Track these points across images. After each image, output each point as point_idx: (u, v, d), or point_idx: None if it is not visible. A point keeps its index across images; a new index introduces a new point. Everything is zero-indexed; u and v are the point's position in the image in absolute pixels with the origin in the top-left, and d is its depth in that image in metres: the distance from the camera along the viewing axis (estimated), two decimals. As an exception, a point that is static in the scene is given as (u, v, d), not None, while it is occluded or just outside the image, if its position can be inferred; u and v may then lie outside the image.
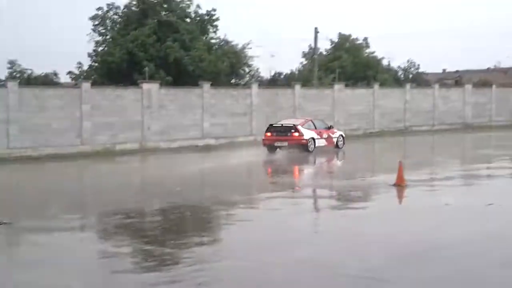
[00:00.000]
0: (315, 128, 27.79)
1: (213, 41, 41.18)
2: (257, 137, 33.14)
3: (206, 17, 40.29)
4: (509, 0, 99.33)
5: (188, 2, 39.26)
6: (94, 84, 30.75)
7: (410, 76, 59.38)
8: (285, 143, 26.47)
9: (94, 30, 38.74)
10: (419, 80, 58.06)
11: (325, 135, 27.83)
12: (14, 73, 36.64)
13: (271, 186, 16.37)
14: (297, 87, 36.39)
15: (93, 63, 38.84)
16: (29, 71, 37.49)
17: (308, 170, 21.06)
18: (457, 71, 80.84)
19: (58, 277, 7.64)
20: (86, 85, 28.31)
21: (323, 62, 53.91)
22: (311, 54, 50.93)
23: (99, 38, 38.86)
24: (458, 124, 45.46)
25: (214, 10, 40.15)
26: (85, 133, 27.68)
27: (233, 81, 40.94)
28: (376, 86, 41.63)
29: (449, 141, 33.68)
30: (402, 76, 59.18)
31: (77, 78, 36.74)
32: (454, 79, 71.60)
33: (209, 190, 16.76)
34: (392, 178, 15.00)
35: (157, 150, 28.64)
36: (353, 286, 7.01)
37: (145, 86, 29.87)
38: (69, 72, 38.29)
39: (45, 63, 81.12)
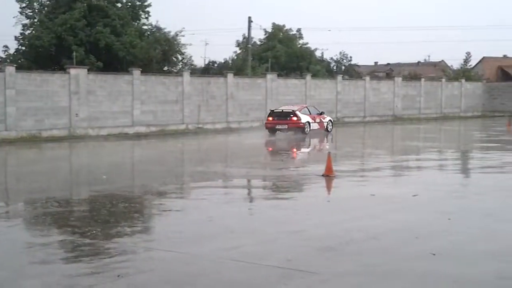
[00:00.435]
0: (310, 113, 31.84)
1: (145, 27, 40.63)
2: (189, 125, 32.88)
3: (138, 3, 39.68)
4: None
5: (120, -13, 38.59)
6: (21, 68, 29.81)
7: (343, 68, 60.10)
8: (285, 126, 30.60)
9: (21, 13, 37.59)
10: (351, 72, 58.83)
11: (317, 120, 31.95)
12: None
13: (201, 176, 16.13)
14: (230, 75, 36.23)
15: (20, 47, 37.66)
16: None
17: (239, 160, 20.88)
18: (388, 64, 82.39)
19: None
20: (10, 69, 27.32)
21: (257, 51, 53.95)
22: (245, 43, 50.84)
23: (27, 21, 37.75)
24: (389, 116, 46.30)
25: (147, -4, 39.60)
26: (10, 118, 26.77)
27: (165, 68, 40.45)
28: (308, 77, 41.89)
29: (379, 132, 34.18)
30: (334, 67, 59.84)
31: (3, 62, 35.53)
32: (385, 72, 72.91)
33: (137, 179, 16.44)
34: (322, 168, 15.01)
35: (86, 138, 27.99)
36: (273, 276, 6.88)
37: (73, 71, 29.09)
38: (-6, 56, 37.09)
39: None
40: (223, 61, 51.35)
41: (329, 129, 32.77)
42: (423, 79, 52.39)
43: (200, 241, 8.51)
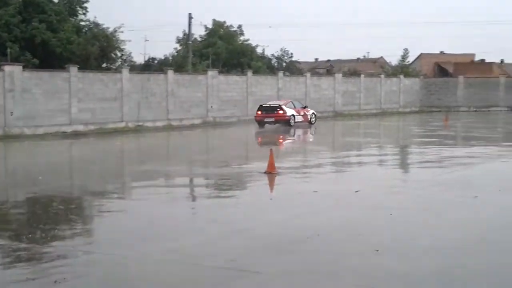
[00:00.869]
0: (294, 107, 35.10)
1: (82, 23, 39.86)
2: (129, 123, 32.38)
3: (75, -1, 38.87)
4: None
5: (55, -18, 37.72)
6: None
7: (284, 64, 60.32)
8: (272, 119, 33.69)
9: (-48, 8, 36.22)
10: (292, 68, 59.12)
11: (302, 113, 35.15)
12: None
13: (142, 175, 15.85)
14: (170, 72, 35.84)
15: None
16: None
17: (181, 158, 20.65)
18: (328, 61, 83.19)
19: None
20: None
21: (198, 48, 53.58)
22: (185, 40, 50.43)
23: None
24: (329, 112, 46.68)
25: (83, -9, 38.84)
26: None
27: (104, 65, 39.75)
28: (250, 73, 41.83)
29: (320, 128, 34.35)
30: (275, 64, 59.99)
31: None
32: (326, 68, 73.63)
33: (75, 179, 16.04)
34: (264, 165, 14.94)
35: (21, 137, 27.21)
36: (217, 277, 6.75)
37: (7, 68, 28.20)
38: None
39: None
40: (163, 58, 50.87)
41: (312, 122, 35.77)
42: (362, 75, 53.04)
43: (141, 242, 8.31)
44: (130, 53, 43.01)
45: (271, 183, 13.84)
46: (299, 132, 31.71)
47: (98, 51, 37.92)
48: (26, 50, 34.16)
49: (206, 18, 77.12)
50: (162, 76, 35.52)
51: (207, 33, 56.09)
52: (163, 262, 7.34)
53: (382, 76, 54.93)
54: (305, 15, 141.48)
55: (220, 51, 52.88)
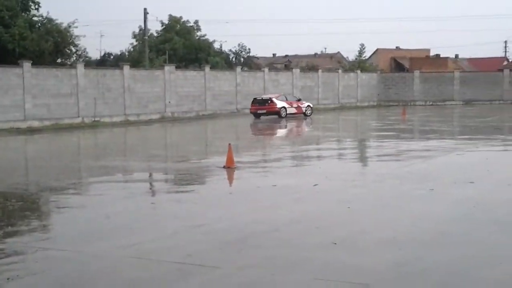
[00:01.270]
0: (286, 100, 38.04)
1: (35, 18, 39.15)
2: (85, 119, 31.94)
3: (27, -6, 38.16)
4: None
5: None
6: None
7: (242, 59, 60.28)
8: (264, 111, 36.63)
9: None
10: (250, 63, 59.13)
11: (295, 105, 38.03)
12: None
13: (99, 170, 15.62)
14: (126, 68, 35.47)
15: None
16: None
17: (139, 153, 20.41)
18: (286, 56, 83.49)
19: None
20: None
21: (154, 43, 53.18)
22: (142, 35, 49.97)
23: None
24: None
25: (35, -14, 38.16)
26: None
27: (59, 60, 39.14)
28: (207, 69, 41.66)
29: (279, 123, 34.40)
30: (233, 59, 59.90)
31: None
32: (284, 63, 73.82)
33: (30, 175, 15.74)
34: (223, 160, 14.85)
35: (-26, 133, 26.59)
36: (173, 273, 6.65)
37: (-42, 64, 27.54)
38: None
39: None
40: (119, 53, 50.34)
41: (307, 113, 38.48)
42: (320, 70, 53.32)
43: (98, 239, 8.16)
44: (85, 48, 42.60)
45: (230, 178, 13.77)
46: (279, 124, 31.69)
47: (52, 47, 37.34)
48: (-23, 46, 33.45)
49: (162, 14, 76.55)
50: (118, 71, 35.11)
51: (164, 29, 55.69)
52: (120, 258, 7.21)
53: (340, 71, 55.31)
54: (262, 10, 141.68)
55: (177, 46, 52.55)
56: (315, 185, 12.06)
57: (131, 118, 34.69)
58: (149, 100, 36.49)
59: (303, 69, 54.29)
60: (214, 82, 41.35)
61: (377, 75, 58.86)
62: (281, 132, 29.91)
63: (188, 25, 56.49)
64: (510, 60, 77.11)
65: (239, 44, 60.85)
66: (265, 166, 16.08)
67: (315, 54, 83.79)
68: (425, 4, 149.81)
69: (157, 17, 57.86)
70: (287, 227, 8.64)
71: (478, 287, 6.24)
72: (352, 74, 55.70)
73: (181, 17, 56.35)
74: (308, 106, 39.12)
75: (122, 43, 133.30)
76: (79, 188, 13.36)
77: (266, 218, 9.18)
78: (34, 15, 39.32)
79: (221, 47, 59.19)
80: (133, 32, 54.33)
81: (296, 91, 47.97)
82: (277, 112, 36.61)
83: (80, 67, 33.16)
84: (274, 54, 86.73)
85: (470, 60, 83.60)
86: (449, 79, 56.99)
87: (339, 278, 6.40)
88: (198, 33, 56.90)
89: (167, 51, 49.26)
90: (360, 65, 62.88)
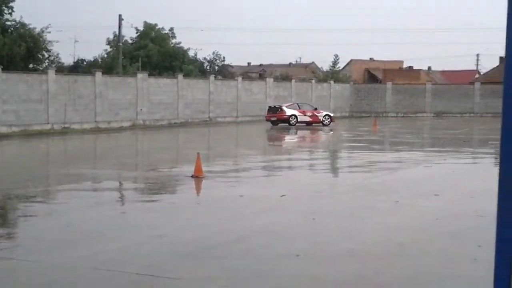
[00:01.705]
0: (299, 108, 39.21)
1: (8, 23, 38.74)
2: (54, 125, 31.64)
3: (0, -2, 37.78)
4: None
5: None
6: None
7: (216, 68, 60.22)
8: (275, 118, 38.20)
9: None
10: (225, 72, 59.09)
11: (308, 114, 38.80)
12: None
13: (65, 178, 15.45)
14: (98, 74, 35.21)
15: None
16: None
17: (108, 161, 20.24)
18: (261, 65, 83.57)
19: None
20: None
21: (129, 50, 52.94)
22: (116, 41, 49.70)
23: None
24: (261, 116, 46.75)
25: (9, -9, 37.81)
26: None
27: (31, 66, 38.77)
28: (181, 77, 41.55)
29: (251, 132, 34.42)
30: (208, 67, 59.83)
31: None
32: (258, 73, 73.91)
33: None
34: (192, 169, 14.79)
35: None
36: (133, 284, 6.58)
37: None
38: None
39: None
40: (93, 59, 50.00)
41: (325, 123, 38.46)
42: (293, 80, 53.47)
43: (58, 248, 8.05)
44: (58, 54, 42.19)
45: (197, 187, 13.71)
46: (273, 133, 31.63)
47: (24, 52, 36.98)
48: None
49: (137, 21, 76.20)
50: (90, 78, 34.85)
51: (138, 36, 55.46)
52: (78, 269, 7.12)
53: (313, 81, 55.51)
54: (238, 19, 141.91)
55: (151, 53, 52.37)
56: (283, 195, 12.05)
57: (102, 125, 34.42)
58: (121, 107, 36.25)
59: (276, 79, 54.41)
60: (187, 90, 41.24)
61: (350, 86, 59.18)
62: (249, 141, 29.87)
63: (163, 32, 56.33)
64: (481, 73, 78.08)
65: (213, 52, 60.73)
66: (234, 176, 16.05)
67: (290, 63, 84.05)
68: (400, 17, 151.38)
69: (132, 24, 57.56)
70: (251, 238, 8.61)
71: (436, 300, 6.28)
72: (325, 85, 55.93)
73: (156, 24, 56.19)
74: (327, 115, 39.47)
75: (96, 49, 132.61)
76: (46, 196, 13.20)
77: (230, 229, 9.14)
78: (7, 20, 38.94)
79: (196, 55, 59.12)
80: (108, 38, 53.99)
81: (269, 101, 48.03)
82: (286, 120, 37.82)
83: (51, 73, 32.85)
84: (249, 63, 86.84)
85: (443, 72, 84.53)
86: (421, 91, 57.49)
87: (299, 290, 6.39)
88: (173, 41, 56.78)
89: (140, 58, 49.05)
90: (333, 75, 63.18)
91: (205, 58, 60.63)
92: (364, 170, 17.54)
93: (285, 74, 63.77)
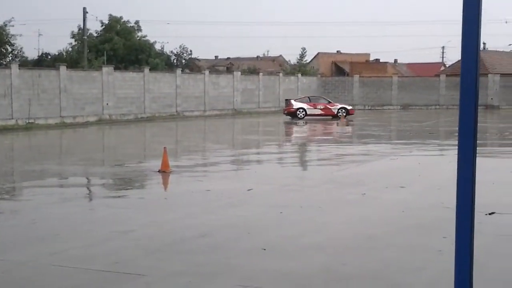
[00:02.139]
0: (309, 101, 40.11)
1: (-30, 16, 38.03)
2: (18, 121, 31.19)
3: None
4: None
5: None
6: None
7: (183, 61, 59.94)
8: (286, 111, 39.75)
9: None
10: (192, 65, 58.85)
11: (320, 107, 39.63)
12: None
13: (29, 174, 15.23)
14: (63, 68, 34.73)
15: None
16: None
17: (73, 157, 19.99)
18: (228, 58, 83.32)
19: None
20: None
21: (94, 43, 52.37)
22: (81, 35, 49.11)
23: None
24: (229, 110, 46.76)
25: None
26: None
27: (-7, 60, 38.13)
28: (147, 70, 41.24)
29: (219, 126, 34.33)
30: (175, 61, 59.51)
31: None
32: (226, 66, 73.72)
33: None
34: (159, 164, 14.69)
35: None
36: (98, 281, 6.50)
37: None
38: None
39: None
40: (57, 53, 49.37)
41: (339, 115, 38.52)
42: (261, 74, 53.46)
43: (22, 246, 7.92)
44: (22, 48, 41.58)
45: (164, 182, 13.63)
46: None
47: (-14, 46, 36.35)
48: None
49: (102, 13, 75.40)
50: (54, 72, 34.36)
51: (104, 29, 54.88)
52: (43, 266, 7.01)
53: (281, 74, 55.58)
54: (205, 12, 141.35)
55: (117, 47, 51.88)
56: (250, 189, 12.03)
57: (67, 120, 34.00)
58: (86, 102, 35.83)
59: (244, 72, 54.34)
60: (153, 84, 40.94)
61: (317, 79, 59.37)
62: (216, 135, 29.80)
63: (129, 25, 55.82)
64: (447, 66, 78.96)
65: (180, 46, 60.41)
66: (201, 170, 15.98)
67: (258, 57, 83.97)
68: (366, 9, 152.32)
69: (96, 17, 56.94)
70: (218, 232, 8.57)
71: (402, 292, 6.31)
72: (292, 78, 56.03)
73: (121, 17, 55.64)
74: (342, 108, 39.86)
75: (60, 43, 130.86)
76: (10, 193, 13.00)
77: (197, 224, 9.09)
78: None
79: (162, 48, 58.76)
80: (72, 31, 53.27)
81: (237, 94, 47.99)
82: (293, 113, 38.85)
83: (15, 67, 32.32)
84: (216, 57, 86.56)
85: (409, 65, 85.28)
86: (387, 84, 57.96)
87: (266, 284, 6.38)
88: (139, 34, 56.32)
89: (106, 52, 48.55)
90: (301, 68, 63.32)
91: (171, 52, 60.37)
92: (332, 163, 17.62)
93: (252, 67, 63.73)
